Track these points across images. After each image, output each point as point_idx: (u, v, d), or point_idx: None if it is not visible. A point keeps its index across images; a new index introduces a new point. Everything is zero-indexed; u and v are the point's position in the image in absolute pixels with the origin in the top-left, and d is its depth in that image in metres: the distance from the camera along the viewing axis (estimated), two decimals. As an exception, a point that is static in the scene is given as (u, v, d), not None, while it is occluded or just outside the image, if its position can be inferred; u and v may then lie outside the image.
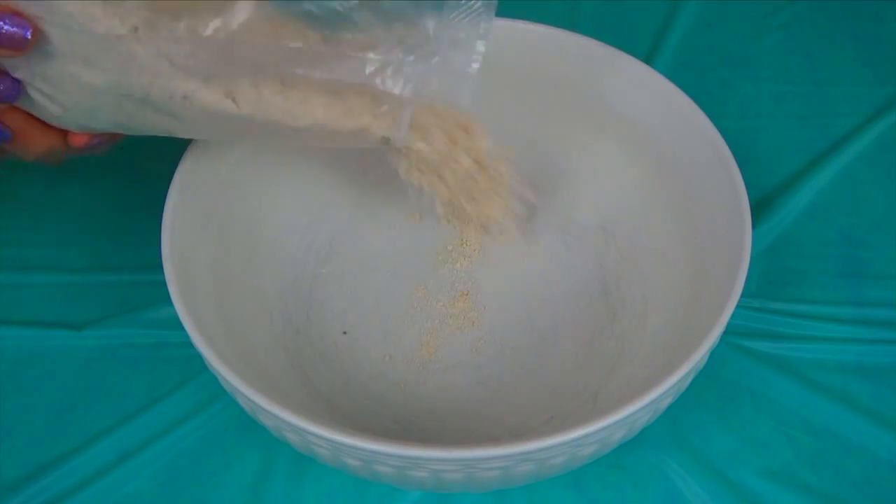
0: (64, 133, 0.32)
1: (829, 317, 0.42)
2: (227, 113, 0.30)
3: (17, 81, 0.29)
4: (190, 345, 0.31)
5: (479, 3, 0.30)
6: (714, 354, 0.33)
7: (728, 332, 0.32)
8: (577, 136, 0.43)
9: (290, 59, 0.29)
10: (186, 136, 0.33)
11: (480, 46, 0.30)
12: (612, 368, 0.37)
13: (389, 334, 0.40)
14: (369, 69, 0.29)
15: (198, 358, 0.32)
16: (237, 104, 0.30)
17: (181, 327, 0.31)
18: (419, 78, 0.30)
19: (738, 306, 0.31)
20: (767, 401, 0.39)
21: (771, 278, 0.43)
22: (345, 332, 0.40)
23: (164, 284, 0.32)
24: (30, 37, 0.27)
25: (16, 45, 0.27)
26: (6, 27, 0.27)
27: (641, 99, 0.40)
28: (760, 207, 0.46)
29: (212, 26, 0.28)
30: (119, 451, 0.38)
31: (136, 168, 0.48)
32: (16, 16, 0.27)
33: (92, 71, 0.29)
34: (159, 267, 0.33)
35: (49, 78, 0.29)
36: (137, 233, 0.45)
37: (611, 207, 0.42)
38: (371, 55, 0.29)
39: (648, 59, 0.53)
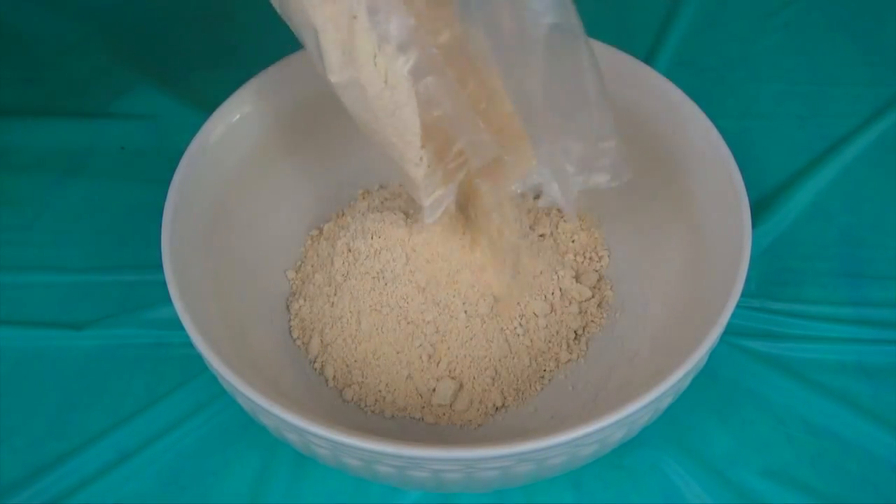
0: None
1: (828, 317, 0.42)
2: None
3: None
4: (190, 345, 0.31)
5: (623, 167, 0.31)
6: (714, 354, 0.33)
7: (728, 332, 0.32)
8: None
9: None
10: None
11: (601, 178, 0.32)
12: (612, 368, 0.37)
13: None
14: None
15: (198, 358, 0.32)
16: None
17: (181, 327, 0.31)
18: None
19: (738, 306, 0.31)
20: (767, 401, 0.39)
21: (771, 278, 0.43)
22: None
23: (164, 284, 0.32)
24: None
25: None
26: None
27: (641, 99, 0.39)
28: (760, 207, 0.46)
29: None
30: (119, 451, 0.38)
31: (136, 168, 0.48)
32: None
33: None
34: (159, 267, 0.33)
35: None
36: (137, 233, 0.45)
37: (610, 207, 0.42)
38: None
39: (648, 59, 0.53)
